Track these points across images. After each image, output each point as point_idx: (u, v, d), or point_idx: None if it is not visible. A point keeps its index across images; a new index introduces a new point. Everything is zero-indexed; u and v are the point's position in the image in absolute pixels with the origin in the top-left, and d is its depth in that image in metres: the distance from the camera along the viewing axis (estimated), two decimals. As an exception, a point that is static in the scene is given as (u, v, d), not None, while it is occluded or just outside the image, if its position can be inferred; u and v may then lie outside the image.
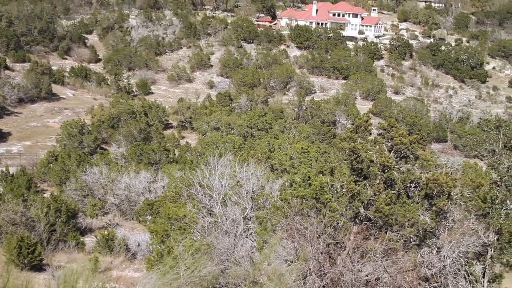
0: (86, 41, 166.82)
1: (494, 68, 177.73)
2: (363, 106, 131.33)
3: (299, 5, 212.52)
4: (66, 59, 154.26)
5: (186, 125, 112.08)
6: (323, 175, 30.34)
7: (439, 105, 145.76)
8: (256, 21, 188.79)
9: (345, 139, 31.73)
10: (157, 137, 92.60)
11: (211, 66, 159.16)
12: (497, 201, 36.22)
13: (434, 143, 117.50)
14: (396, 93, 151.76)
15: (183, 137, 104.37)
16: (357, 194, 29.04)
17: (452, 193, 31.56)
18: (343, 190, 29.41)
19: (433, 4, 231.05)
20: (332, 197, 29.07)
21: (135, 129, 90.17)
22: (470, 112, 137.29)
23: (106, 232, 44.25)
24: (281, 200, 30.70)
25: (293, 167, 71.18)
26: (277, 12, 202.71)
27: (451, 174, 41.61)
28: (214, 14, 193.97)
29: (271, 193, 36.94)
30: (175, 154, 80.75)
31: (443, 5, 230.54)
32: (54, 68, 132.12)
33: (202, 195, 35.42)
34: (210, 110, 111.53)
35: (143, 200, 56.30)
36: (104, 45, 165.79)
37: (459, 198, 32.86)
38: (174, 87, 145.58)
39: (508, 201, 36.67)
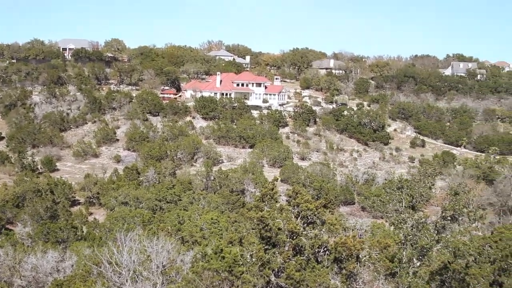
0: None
1: (395, 129, 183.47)
2: (271, 174, 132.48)
3: (203, 76, 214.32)
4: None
5: (94, 201, 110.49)
6: (232, 245, 30.43)
7: (345, 169, 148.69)
8: (161, 93, 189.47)
9: (252, 208, 32.03)
10: (64, 215, 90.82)
11: (117, 140, 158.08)
12: (404, 260, 37.04)
13: (342, 206, 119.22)
14: (303, 159, 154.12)
15: (91, 213, 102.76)
16: (267, 262, 29.19)
17: (360, 255, 32.13)
18: (253, 259, 29.52)
19: (333, 71, 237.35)
20: (243, 267, 29.12)
21: (41, 208, 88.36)
22: (375, 173, 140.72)
23: (12, 317, 42.78)
24: (193, 273, 30.54)
25: (204, 238, 70.92)
26: (182, 84, 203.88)
27: (360, 236, 42.35)
28: (118, 88, 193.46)
29: (182, 266, 36.70)
30: (83, 231, 79.40)
31: (343, 72, 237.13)
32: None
33: (111, 273, 34.87)
34: (117, 184, 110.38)
35: (51, 281, 54.73)
36: (6, 123, 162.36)
37: (367, 260, 33.45)
38: (80, 163, 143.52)
39: (414, 259, 37.55)
